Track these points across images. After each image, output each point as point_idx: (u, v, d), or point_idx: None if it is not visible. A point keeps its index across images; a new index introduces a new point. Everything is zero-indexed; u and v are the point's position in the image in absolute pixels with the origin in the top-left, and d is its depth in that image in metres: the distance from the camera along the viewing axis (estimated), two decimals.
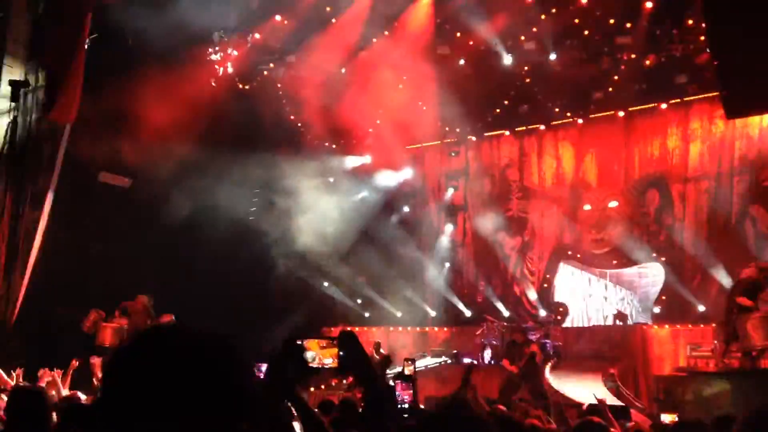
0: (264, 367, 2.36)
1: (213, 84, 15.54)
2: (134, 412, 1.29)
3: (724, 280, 13.96)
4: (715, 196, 15.08)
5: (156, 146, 13.59)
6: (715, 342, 12.40)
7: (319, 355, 2.54)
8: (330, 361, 2.53)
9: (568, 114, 17.00)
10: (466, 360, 15.61)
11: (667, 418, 7.19)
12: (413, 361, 11.21)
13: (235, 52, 15.92)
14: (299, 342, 2.44)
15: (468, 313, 18.07)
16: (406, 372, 9.99)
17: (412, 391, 4.88)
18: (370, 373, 2.48)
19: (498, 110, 17.52)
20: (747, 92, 10.03)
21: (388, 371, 12.97)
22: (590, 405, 9.42)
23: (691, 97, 15.33)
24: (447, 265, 18.67)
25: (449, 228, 19.02)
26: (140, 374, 1.33)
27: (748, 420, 2.39)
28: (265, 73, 16.50)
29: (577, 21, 14.79)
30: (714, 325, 12.98)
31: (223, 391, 1.36)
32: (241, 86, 16.30)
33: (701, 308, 14.63)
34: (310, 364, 2.49)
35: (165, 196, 14.11)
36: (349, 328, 14.70)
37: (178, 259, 14.61)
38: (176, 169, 14.03)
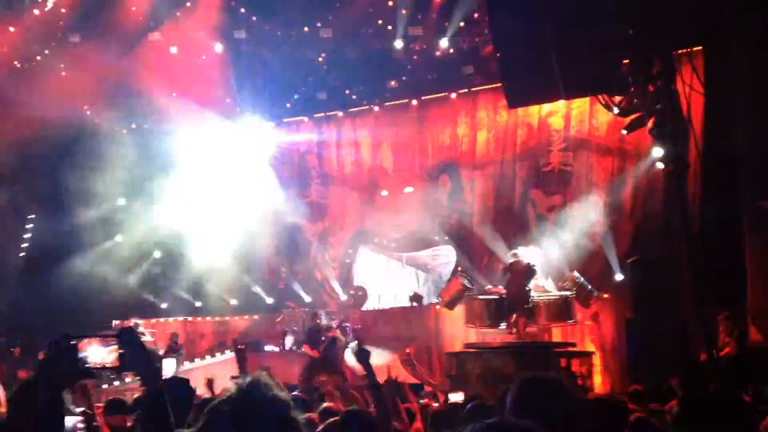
0: None
1: None
2: None
3: (509, 260, 14.89)
4: (500, 182, 16.02)
5: None
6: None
7: (100, 354, 2.40)
8: (111, 359, 2.41)
9: (365, 102, 17.36)
10: (272, 347, 15.57)
11: (455, 397, 7.57)
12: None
13: (12, 29, 14.72)
14: (72, 342, 2.29)
15: (269, 300, 17.99)
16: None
17: None
18: (152, 370, 2.39)
19: (296, 96, 17.50)
20: (526, 83, 10.66)
21: None
22: (385, 381, 9.75)
23: (478, 88, 16.15)
24: (247, 251, 18.40)
25: (249, 215, 18.74)
26: None
27: (520, 389, 2.56)
28: (46, 52, 15.37)
29: (371, 10, 15.11)
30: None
31: None
32: (18, 66, 15.08)
33: (489, 287, 15.51)
34: (89, 365, 2.35)
35: None
36: (141, 321, 14.18)
37: None
38: None
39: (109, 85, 15.54)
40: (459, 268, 15.28)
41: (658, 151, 11.84)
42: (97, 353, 2.42)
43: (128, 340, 2.30)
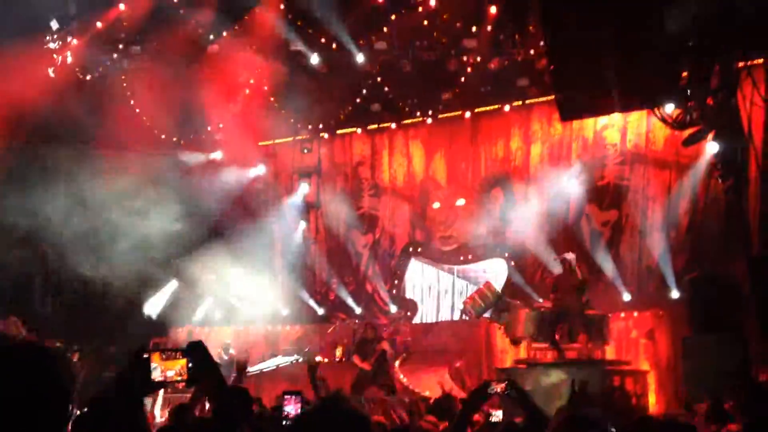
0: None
1: (51, 74, 14.74)
2: None
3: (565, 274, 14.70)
4: (554, 196, 15.85)
5: None
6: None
7: (162, 366, 2.44)
8: (172, 374, 2.44)
9: (418, 113, 17.38)
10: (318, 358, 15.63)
11: (497, 414, 7.50)
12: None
13: (75, 41, 15.15)
14: (146, 355, 2.34)
15: (320, 311, 18.08)
16: None
17: (300, 405, 4.71)
18: (221, 383, 2.42)
19: (350, 108, 17.63)
20: (579, 96, 10.56)
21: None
22: (438, 398, 9.70)
23: (532, 100, 16.04)
24: (299, 262, 18.57)
25: (301, 225, 18.94)
26: None
27: (560, 424, 2.53)
28: (109, 64, 15.78)
29: (425, 23, 15.14)
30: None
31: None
32: (81, 77, 15.51)
33: (541, 301, 15.36)
34: (154, 378, 2.39)
35: None
36: (196, 329, 14.30)
37: (14, 266, 13.79)
38: (8, 164, 13.23)
39: (169, 97, 15.86)
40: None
41: (717, 166, 11.64)
42: (163, 365, 2.46)
43: (197, 353, 2.34)
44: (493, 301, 13.00)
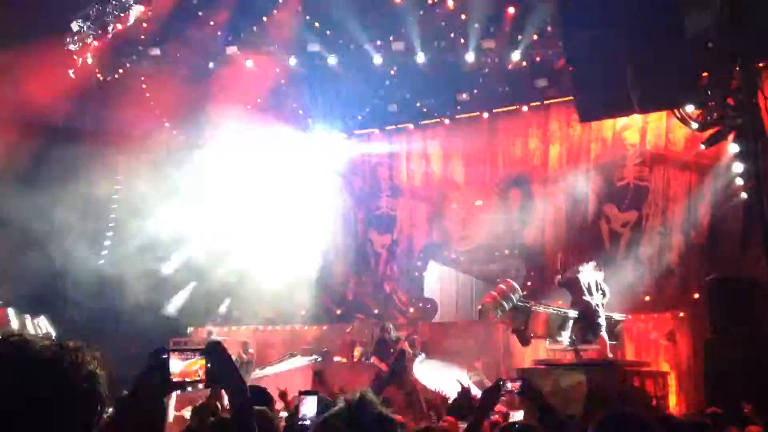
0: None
1: (71, 75, 14.89)
2: None
3: (581, 276, 14.61)
4: (573, 196, 15.78)
5: (6, 137, 12.92)
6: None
7: (180, 367, 2.45)
8: (191, 374, 2.45)
9: (436, 114, 17.37)
10: (340, 358, 15.63)
11: (516, 415, 7.49)
12: None
13: (95, 43, 15.29)
14: (165, 355, 2.34)
15: (338, 311, 18.10)
16: None
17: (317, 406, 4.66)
18: (240, 384, 2.43)
19: (368, 108, 17.66)
20: (598, 97, 10.50)
21: None
22: (455, 398, 9.70)
23: (551, 101, 15.98)
24: (317, 262, 18.60)
25: (320, 225, 18.95)
26: None
27: (601, 424, 2.52)
28: (128, 65, 15.91)
29: (443, 23, 15.13)
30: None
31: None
32: (101, 78, 15.66)
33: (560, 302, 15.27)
34: (173, 379, 2.40)
35: (15, 190, 13.47)
36: (215, 329, 14.38)
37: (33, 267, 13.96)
38: (26, 165, 13.41)
39: (187, 98, 15.98)
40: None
41: (738, 167, 11.53)
42: (181, 365, 2.46)
43: (216, 354, 2.34)
44: (512, 301, 12.91)
